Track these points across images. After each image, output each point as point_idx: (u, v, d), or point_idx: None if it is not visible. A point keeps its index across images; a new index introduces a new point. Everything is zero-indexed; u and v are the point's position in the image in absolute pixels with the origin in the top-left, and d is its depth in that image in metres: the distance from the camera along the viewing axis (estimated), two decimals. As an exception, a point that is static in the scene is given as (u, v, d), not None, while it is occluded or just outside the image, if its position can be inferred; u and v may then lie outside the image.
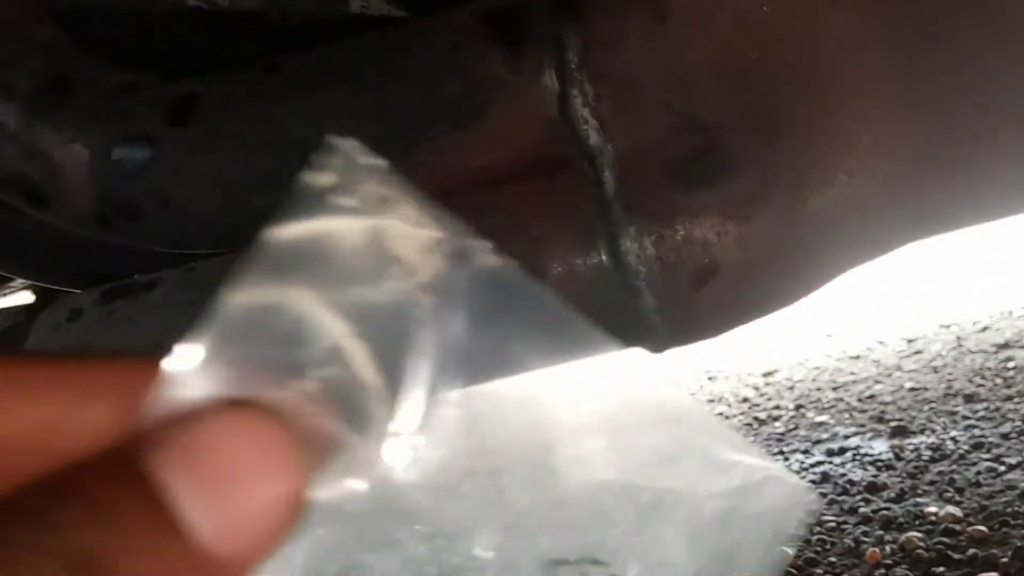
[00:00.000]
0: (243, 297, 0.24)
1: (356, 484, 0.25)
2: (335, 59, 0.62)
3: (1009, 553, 1.18)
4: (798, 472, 1.61)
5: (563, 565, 0.30)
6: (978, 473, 1.43)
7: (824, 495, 1.48)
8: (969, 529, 1.26)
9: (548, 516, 0.29)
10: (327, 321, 0.25)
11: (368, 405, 0.25)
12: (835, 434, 1.76)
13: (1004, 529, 1.25)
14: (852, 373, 2.13)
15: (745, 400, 2.15)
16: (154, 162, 0.61)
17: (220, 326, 0.24)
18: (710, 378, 2.42)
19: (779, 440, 1.81)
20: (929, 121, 0.58)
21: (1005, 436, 1.54)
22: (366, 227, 0.26)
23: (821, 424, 1.84)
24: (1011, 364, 1.88)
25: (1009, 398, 1.70)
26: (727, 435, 0.30)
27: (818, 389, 2.08)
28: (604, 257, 0.57)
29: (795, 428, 1.86)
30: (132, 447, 0.23)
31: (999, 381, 1.81)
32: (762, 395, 2.15)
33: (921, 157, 0.58)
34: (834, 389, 2.05)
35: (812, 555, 1.29)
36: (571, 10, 0.58)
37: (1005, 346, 2.01)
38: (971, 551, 1.20)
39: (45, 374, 0.24)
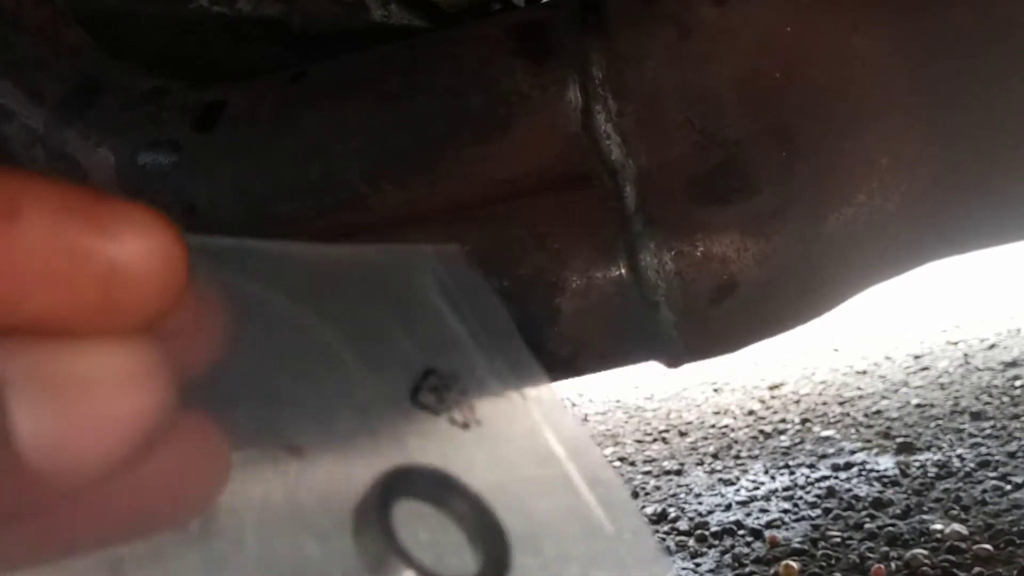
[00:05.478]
0: None
1: None
2: (360, 69, 0.63)
3: (1015, 572, 1.18)
4: (803, 487, 1.61)
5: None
6: (984, 491, 1.42)
7: (829, 510, 1.48)
8: (975, 547, 1.25)
9: None
10: None
11: None
12: (841, 449, 1.76)
13: (1010, 548, 1.25)
14: (859, 388, 2.13)
15: (751, 413, 2.15)
16: (179, 168, 0.62)
17: None
18: (716, 390, 2.42)
19: (784, 454, 1.81)
20: (948, 143, 0.59)
21: (1012, 455, 1.54)
22: None
23: (827, 439, 1.83)
24: (1018, 383, 1.88)
25: (1016, 416, 1.70)
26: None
27: (824, 403, 2.08)
28: (623, 271, 0.58)
29: (801, 442, 1.85)
30: None
31: (1006, 399, 1.81)
32: (768, 408, 2.15)
33: (940, 178, 0.59)
34: (840, 404, 2.04)
35: (816, 570, 1.29)
36: (596, 26, 0.59)
37: (1012, 364, 2.01)
38: (976, 569, 1.20)
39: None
